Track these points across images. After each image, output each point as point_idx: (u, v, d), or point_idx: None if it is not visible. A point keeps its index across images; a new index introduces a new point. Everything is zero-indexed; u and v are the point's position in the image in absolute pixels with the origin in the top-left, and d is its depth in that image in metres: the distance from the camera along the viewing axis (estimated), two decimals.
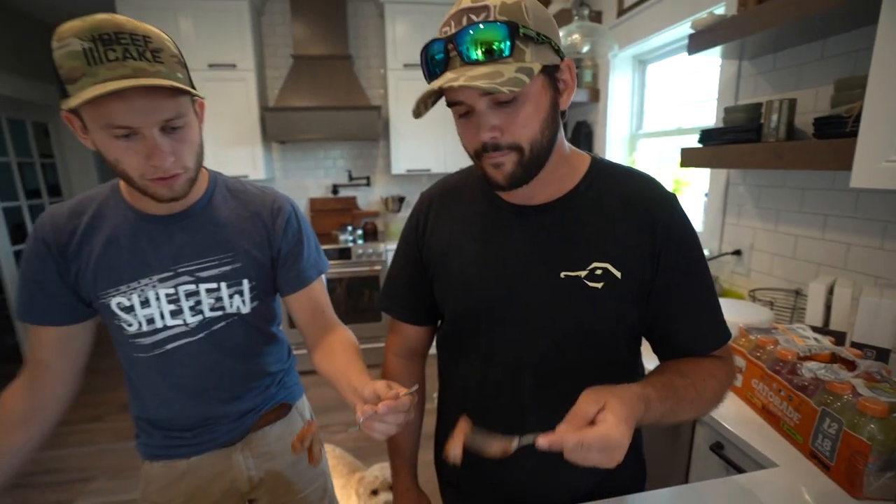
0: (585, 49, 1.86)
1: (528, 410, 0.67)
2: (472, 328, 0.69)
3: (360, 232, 3.14)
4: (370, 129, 2.94)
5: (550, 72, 0.58)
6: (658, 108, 2.26)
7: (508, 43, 0.52)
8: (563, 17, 2.32)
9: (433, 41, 0.56)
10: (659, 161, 2.27)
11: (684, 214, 0.65)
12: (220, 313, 0.80)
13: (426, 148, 3.18)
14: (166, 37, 0.65)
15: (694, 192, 2.02)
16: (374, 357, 3.11)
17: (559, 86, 0.60)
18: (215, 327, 0.80)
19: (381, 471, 1.35)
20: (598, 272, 0.62)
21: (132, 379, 0.83)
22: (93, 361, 3.07)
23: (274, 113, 2.83)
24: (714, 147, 1.41)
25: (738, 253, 1.59)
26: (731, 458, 0.95)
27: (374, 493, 1.29)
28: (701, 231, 1.81)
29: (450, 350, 0.77)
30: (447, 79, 0.53)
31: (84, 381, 2.68)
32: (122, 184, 0.76)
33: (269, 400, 0.91)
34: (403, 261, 0.78)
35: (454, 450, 0.55)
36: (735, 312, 1.27)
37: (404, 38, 3.02)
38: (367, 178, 3.50)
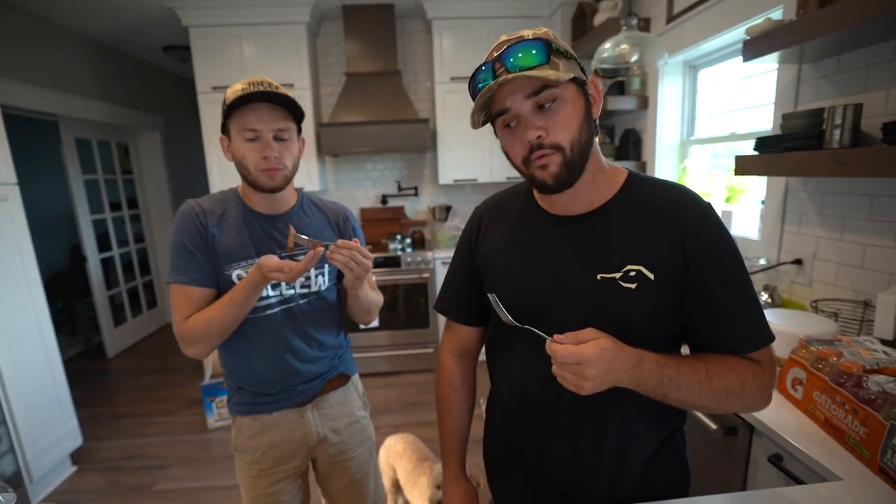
0: (634, 59, 1.86)
1: (566, 404, 0.71)
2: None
3: (408, 241, 3.25)
4: (419, 141, 3.05)
5: (581, 84, 0.67)
6: (711, 113, 2.21)
7: (545, 53, 0.62)
8: (611, 26, 2.32)
9: (481, 66, 0.66)
10: (711, 168, 2.21)
11: (716, 220, 0.68)
12: (306, 290, 1.07)
13: (473, 158, 3.25)
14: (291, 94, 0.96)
15: (750, 199, 1.95)
16: (422, 362, 3.20)
17: (589, 97, 0.68)
18: (302, 301, 1.06)
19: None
20: (632, 274, 0.67)
21: (232, 344, 1.03)
22: (162, 361, 3.43)
23: (328, 128, 3.01)
24: (771, 155, 1.38)
25: (798, 262, 1.53)
26: (791, 470, 0.94)
27: (438, 487, 1.37)
28: (757, 239, 1.76)
29: (497, 347, 0.84)
30: (500, 79, 0.62)
31: (156, 379, 2.96)
32: (239, 189, 1.06)
33: (333, 369, 1.15)
34: (458, 267, 0.89)
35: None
36: (795, 323, 1.24)
37: (451, 53, 3.12)
38: (415, 189, 3.61)
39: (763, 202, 1.72)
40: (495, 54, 0.64)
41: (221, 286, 1.00)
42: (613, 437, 0.72)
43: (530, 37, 0.64)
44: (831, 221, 1.43)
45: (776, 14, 1.58)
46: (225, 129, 0.98)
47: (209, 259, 0.98)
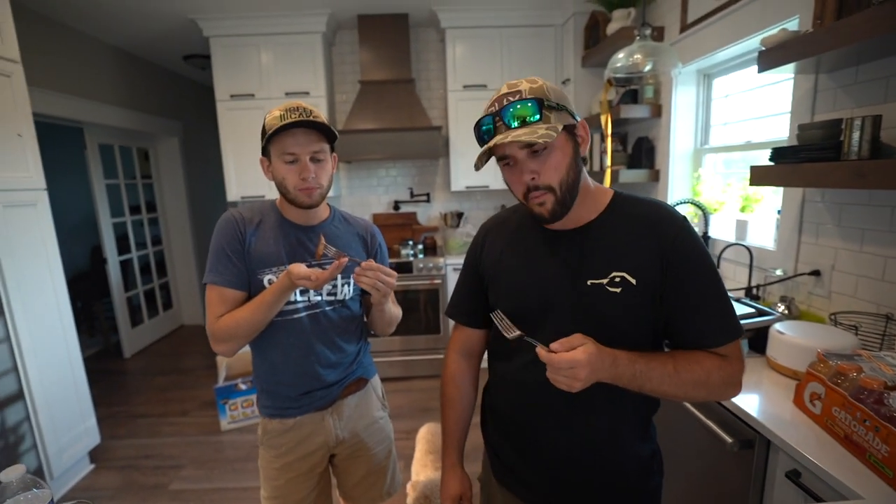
0: (647, 68, 1.87)
1: (560, 399, 0.79)
2: (519, 325, 0.83)
3: (420, 247, 3.27)
4: (432, 148, 3.07)
5: (570, 129, 0.76)
6: (725, 122, 2.20)
7: (538, 113, 0.72)
8: (624, 35, 2.33)
9: (483, 117, 0.77)
10: (726, 177, 2.20)
11: (690, 232, 0.77)
12: (332, 298, 1.14)
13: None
14: (324, 116, 1.06)
15: (766, 208, 1.93)
16: (434, 368, 3.21)
17: (578, 139, 0.78)
18: (328, 308, 1.13)
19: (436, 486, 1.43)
20: (617, 279, 0.76)
21: (260, 346, 1.12)
22: (177, 362, 3.49)
23: (342, 136, 3.05)
24: (787, 165, 1.37)
25: (816, 273, 1.51)
26: (810, 487, 0.93)
27: None
28: (773, 250, 1.74)
29: (500, 343, 0.91)
30: (497, 139, 0.73)
31: (171, 380, 3.03)
32: (277, 202, 1.14)
33: (351, 374, 1.20)
34: (465, 276, 0.99)
35: None
36: (813, 336, 1.23)
37: (464, 61, 3.15)
38: (428, 195, 3.64)
39: (779, 212, 1.70)
40: (497, 108, 0.75)
41: (253, 289, 1.07)
42: (603, 422, 0.82)
43: (527, 93, 0.73)
44: (850, 232, 1.41)
45: (792, 24, 1.57)
46: (265, 152, 1.06)
47: (244, 264, 1.06)
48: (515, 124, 0.72)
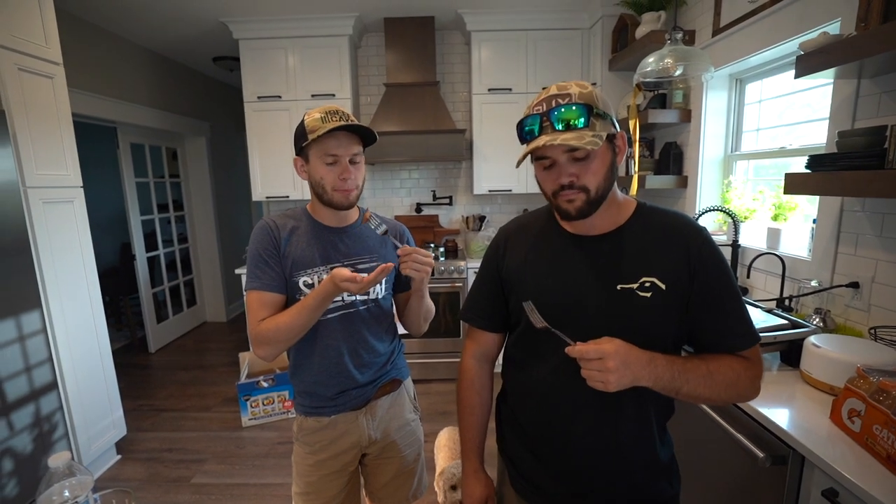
0: (678, 72, 1.83)
1: (587, 402, 0.81)
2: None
3: (441, 249, 3.27)
4: (455, 151, 3.08)
5: (610, 138, 0.78)
6: (758, 128, 2.14)
7: (585, 118, 0.73)
8: (654, 39, 2.29)
9: (529, 116, 0.77)
10: (756, 184, 2.14)
11: (712, 241, 0.81)
12: (366, 296, 1.15)
13: (508, 168, 3.25)
14: (355, 118, 1.07)
15: (801, 217, 1.88)
16: (452, 371, 3.20)
17: (615, 148, 0.79)
18: (361, 307, 1.14)
19: (458, 468, 1.41)
20: (647, 284, 0.78)
21: (296, 347, 1.13)
22: (200, 358, 3.55)
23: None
24: (825, 173, 1.32)
25: (854, 286, 1.46)
26: None
27: (454, 488, 1.37)
28: (808, 260, 1.69)
29: (523, 350, 0.91)
30: (546, 139, 0.73)
31: (194, 375, 3.08)
32: (308, 206, 1.17)
33: (385, 375, 1.21)
34: (484, 279, 0.98)
35: None
36: (851, 351, 1.18)
37: (489, 64, 3.14)
38: (450, 198, 3.64)
39: (815, 221, 1.65)
40: (544, 108, 0.75)
41: (289, 292, 1.10)
42: (631, 427, 0.82)
43: (577, 97, 0.74)
44: (893, 244, 1.36)
45: (832, 28, 1.53)
46: (301, 152, 1.08)
47: (280, 268, 1.09)
48: (562, 126, 0.73)
